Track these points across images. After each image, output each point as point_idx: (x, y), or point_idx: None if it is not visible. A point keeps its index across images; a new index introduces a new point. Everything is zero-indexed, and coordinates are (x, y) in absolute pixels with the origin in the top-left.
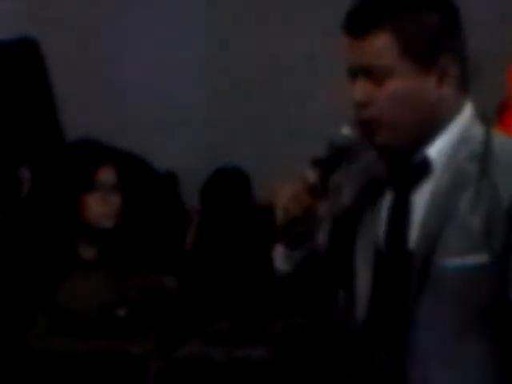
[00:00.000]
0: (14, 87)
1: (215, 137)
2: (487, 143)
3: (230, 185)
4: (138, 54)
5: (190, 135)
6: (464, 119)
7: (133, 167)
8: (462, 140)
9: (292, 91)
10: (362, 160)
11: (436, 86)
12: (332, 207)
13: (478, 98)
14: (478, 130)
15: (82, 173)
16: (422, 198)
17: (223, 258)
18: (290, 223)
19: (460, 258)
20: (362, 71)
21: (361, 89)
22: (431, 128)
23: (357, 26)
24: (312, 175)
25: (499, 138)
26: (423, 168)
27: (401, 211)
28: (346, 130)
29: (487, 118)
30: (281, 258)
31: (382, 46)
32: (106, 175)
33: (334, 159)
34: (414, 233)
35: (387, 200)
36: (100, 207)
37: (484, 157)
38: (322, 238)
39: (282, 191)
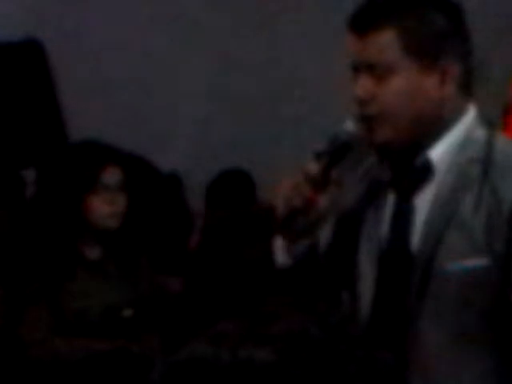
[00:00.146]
0: (18, 88)
1: (219, 139)
2: (489, 146)
3: (234, 186)
4: (141, 55)
5: (193, 137)
6: (467, 122)
7: (137, 168)
8: (465, 143)
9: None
10: (365, 161)
11: (437, 86)
12: (334, 205)
13: (483, 101)
14: (481, 133)
15: (87, 173)
16: (424, 201)
17: (227, 259)
18: (290, 214)
19: (461, 261)
20: (364, 67)
21: (363, 85)
22: (432, 129)
23: (362, 22)
24: (313, 167)
25: (502, 141)
26: (425, 171)
27: (403, 213)
28: (349, 125)
29: (490, 121)
30: (280, 250)
31: (385, 42)
32: (112, 176)
33: (336, 153)
34: (417, 235)
35: (390, 202)
36: (105, 208)
37: (486, 160)
38: (324, 237)
39: (284, 183)
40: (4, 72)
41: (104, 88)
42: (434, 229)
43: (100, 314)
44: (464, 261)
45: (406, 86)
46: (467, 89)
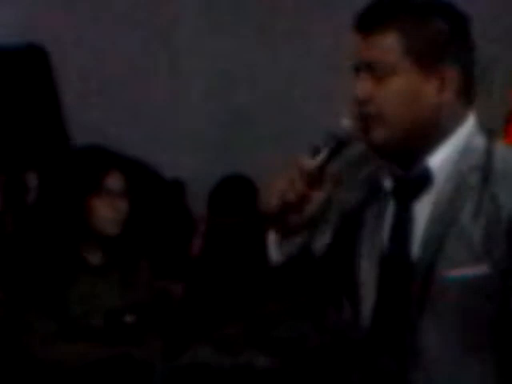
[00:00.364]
0: (20, 93)
1: (222, 144)
2: (489, 154)
3: (236, 192)
4: (142, 58)
5: (196, 143)
6: (467, 130)
7: (140, 174)
8: (465, 151)
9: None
10: (366, 166)
11: (435, 92)
12: (335, 205)
13: (485, 109)
14: (481, 141)
15: (90, 178)
16: (423, 209)
17: (229, 264)
18: (283, 209)
19: (461, 269)
20: (365, 67)
21: (362, 85)
22: (429, 134)
23: (366, 23)
24: (308, 163)
25: (501, 148)
26: (424, 178)
27: (402, 221)
28: (345, 122)
29: (490, 129)
30: (273, 245)
31: (386, 43)
32: (115, 181)
33: (332, 149)
34: (416, 243)
35: (391, 210)
36: (107, 213)
37: (485, 167)
38: (323, 238)
39: (278, 177)
40: (6, 77)
41: (106, 92)
42: (433, 237)
43: (102, 319)
44: (463, 269)
45: (405, 88)
46: (467, 96)
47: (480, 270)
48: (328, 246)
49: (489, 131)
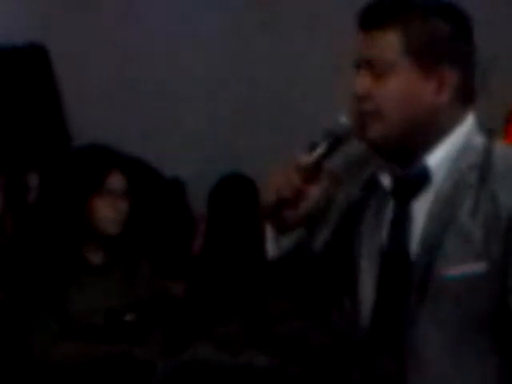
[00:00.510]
0: (22, 92)
1: (222, 144)
2: (488, 152)
3: (236, 191)
4: (144, 59)
5: (197, 142)
6: (465, 129)
7: (140, 173)
8: (463, 150)
9: (299, 105)
10: (366, 166)
11: (433, 92)
12: (334, 202)
13: (486, 109)
14: (480, 140)
15: (92, 178)
16: (422, 207)
17: (230, 263)
18: (279, 204)
19: (459, 267)
20: (365, 64)
21: (361, 81)
22: (426, 134)
23: (368, 20)
24: (304, 158)
25: (500, 147)
26: (423, 177)
27: (401, 220)
28: (343, 119)
29: (490, 128)
30: (269, 240)
31: (387, 42)
32: (116, 181)
33: (329, 145)
34: (415, 241)
35: (390, 208)
36: (108, 213)
37: (484, 166)
38: (322, 235)
39: (275, 172)
40: (8, 76)
41: (107, 92)
42: (432, 235)
43: (102, 318)
44: (462, 266)
45: (403, 87)
46: (466, 97)
47: (479, 267)
48: (326, 244)
49: (488, 130)
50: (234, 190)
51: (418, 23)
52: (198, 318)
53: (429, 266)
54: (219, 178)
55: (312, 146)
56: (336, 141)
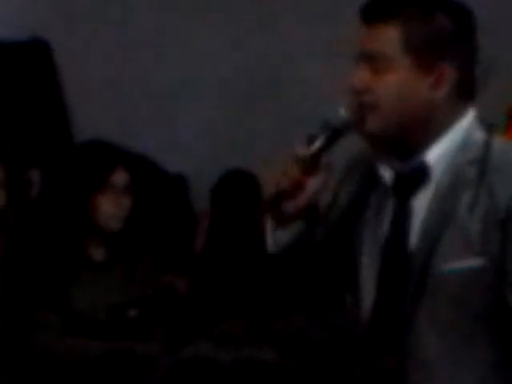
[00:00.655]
0: (24, 88)
1: (224, 140)
2: (487, 147)
3: (239, 187)
4: (147, 56)
5: (199, 138)
6: (465, 125)
7: (143, 169)
8: (463, 145)
9: (300, 100)
10: (367, 162)
11: (430, 88)
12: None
13: (488, 105)
14: (480, 136)
15: (96, 175)
16: (422, 203)
17: (232, 259)
18: (278, 196)
19: (457, 262)
20: (365, 58)
21: (359, 75)
22: (424, 129)
23: (370, 13)
24: (302, 150)
25: (500, 142)
26: (422, 172)
27: (401, 215)
28: (342, 111)
29: (490, 123)
30: (269, 233)
31: (387, 36)
32: (119, 178)
33: (327, 139)
34: (415, 236)
35: (390, 205)
36: (111, 209)
37: (483, 161)
38: (321, 233)
39: (274, 165)
40: (10, 71)
41: (110, 88)
42: (431, 229)
43: (104, 314)
44: (460, 261)
45: (401, 82)
46: (466, 93)
47: (477, 262)
48: (327, 240)
49: (488, 126)
50: (237, 186)
51: (419, 19)
52: (200, 315)
53: (427, 261)
54: (221, 175)
55: (310, 139)
56: (334, 133)
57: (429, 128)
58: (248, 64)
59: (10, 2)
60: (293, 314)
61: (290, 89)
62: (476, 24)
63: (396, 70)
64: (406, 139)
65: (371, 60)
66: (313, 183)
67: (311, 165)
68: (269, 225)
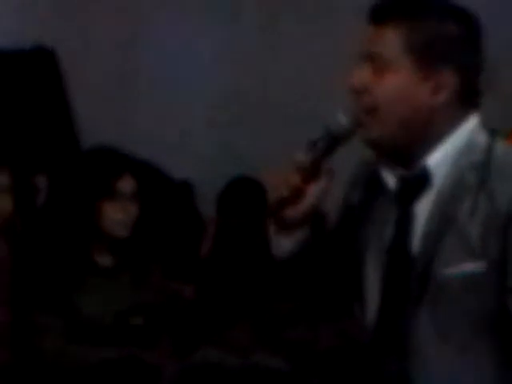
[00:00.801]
0: (30, 95)
1: (231, 146)
2: (488, 152)
3: (245, 194)
4: (154, 61)
5: (206, 145)
6: (467, 130)
7: (149, 176)
8: (465, 150)
9: (304, 105)
10: (372, 168)
11: (430, 93)
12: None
13: (494, 112)
14: (483, 140)
15: (103, 183)
16: (424, 207)
17: (239, 266)
18: (279, 203)
19: (458, 266)
20: (367, 58)
21: (360, 74)
22: (424, 134)
23: (375, 14)
24: (302, 157)
25: (502, 147)
26: (423, 177)
27: (404, 220)
28: (342, 118)
29: (493, 128)
30: (272, 239)
31: (390, 38)
32: (126, 185)
33: (327, 145)
34: (417, 241)
35: (394, 210)
36: (117, 216)
37: (484, 165)
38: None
39: (275, 172)
40: (16, 80)
41: (116, 95)
42: (432, 234)
43: (110, 320)
44: (461, 265)
45: (400, 85)
46: (468, 99)
47: (477, 266)
48: (333, 245)
49: (492, 130)
50: (243, 193)
51: (424, 24)
52: (207, 321)
53: (428, 265)
54: (228, 181)
55: (311, 145)
56: (335, 140)
57: (429, 133)
58: (255, 71)
59: (14, 10)
60: (301, 320)
61: (294, 94)
62: (482, 31)
63: (396, 72)
64: (406, 144)
65: (373, 61)
66: (313, 190)
67: (311, 171)
68: (272, 231)
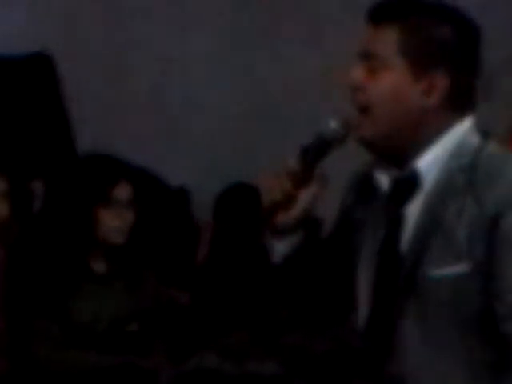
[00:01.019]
0: (27, 102)
1: (227, 152)
2: (478, 155)
3: (241, 200)
4: (151, 68)
5: (202, 151)
6: (459, 132)
7: (145, 182)
8: (456, 152)
9: (302, 112)
10: (367, 173)
11: (422, 95)
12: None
13: (493, 116)
14: (475, 143)
15: (99, 190)
16: (414, 209)
17: (235, 272)
18: (272, 209)
19: (444, 268)
20: (364, 57)
21: (356, 72)
22: (415, 136)
23: (375, 14)
24: (293, 161)
25: (492, 150)
26: (413, 179)
27: (394, 222)
28: (333, 123)
29: (485, 131)
30: (268, 245)
31: (385, 38)
32: (123, 192)
33: (319, 149)
34: (406, 243)
35: (386, 211)
36: (113, 223)
37: (472, 168)
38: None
39: (266, 176)
40: (13, 86)
41: (113, 101)
42: (420, 236)
43: (106, 327)
44: (447, 267)
45: (393, 84)
46: (461, 102)
47: (463, 268)
48: (328, 250)
49: (483, 133)
50: (239, 199)
51: (420, 26)
52: (203, 327)
53: (415, 266)
54: (224, 187)
55: (302, 151)
56: (326, 145)
57: (420, 134)
58: (249, 78)
59: (11, 16)
60: (297, 327)
61: (292, 102)
62: (480, 37)
63: (390, 72)
64: (398, 145)
65: (369, 60)
66: (305, 195)
67: (303, 177)
68: (266, 238)
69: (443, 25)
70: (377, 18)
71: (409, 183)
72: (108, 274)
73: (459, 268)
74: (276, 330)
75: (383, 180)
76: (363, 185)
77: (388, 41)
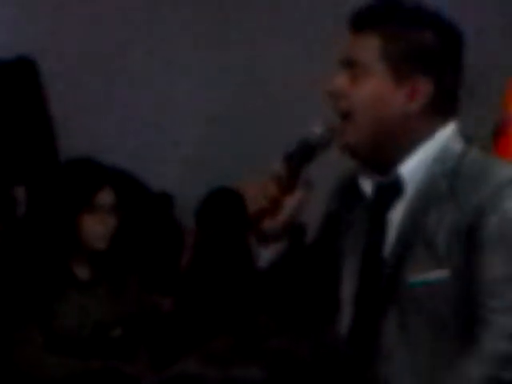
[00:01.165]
0: (10, 106)
1: (210, 157)
2: (460, 160)
3: (224, 205)
4: (137, 73)
5: (185, 156)
6: (442, 138)
7: (128, 187)
8: (440, 158)
9: (287, 113)
10: (352, 178)
11: (404, 101)
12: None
13: (480, 121)
14: (458, 148)
15: (82, 195)
16: (397, 215)
17: (219, 277)
18: (258, 215)
19: (425, 274)
20: (346, 64)
21: (337, 80)
22: (398, 142)
23: (356, 21)
24: (279, 167)
25: (474, 155)
26: (396, 185)
27: (377, 228)
28: (318, 128)
29: (468, 136)
30: (254, 251)
31: (367, 44)
32: (106, 197)
33: (304, 155)
34: (388, 249)
35: (370, 216)
36: (96, 228)
37: (454, 173)
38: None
39: (251, 183)
40: None
41: (96, 106)
42: (402, 242)
43: (89, 332)
44: (427, 273)
45: (375, 90)
46: (443, 108)
47: (442, 274)
48: (312, 256)
49: (467, 138)
50: (222, 205)
51: (402, 32)
52: (186, 333)
53: (396, 272)
54: (207, 192)
55: (287, 156)
56: (311, 150)
57: (403, 140)
58: (235, 79)
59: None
60: (280, 331)
61: (276, 107)
62: (464, 43)
63: (372, 78)
64: (382, 151)
65: (351, 66)
66: (291, 201)
67: (288, 183)
68: (253, 244)
69: (425, 30)
70: (358, 25)
71: (392, 189)
72: (91, 279)
73: (439, 274)
74: (260, 335)
75: (367, 185)
76: (347, 190)
77: (369, 47)
